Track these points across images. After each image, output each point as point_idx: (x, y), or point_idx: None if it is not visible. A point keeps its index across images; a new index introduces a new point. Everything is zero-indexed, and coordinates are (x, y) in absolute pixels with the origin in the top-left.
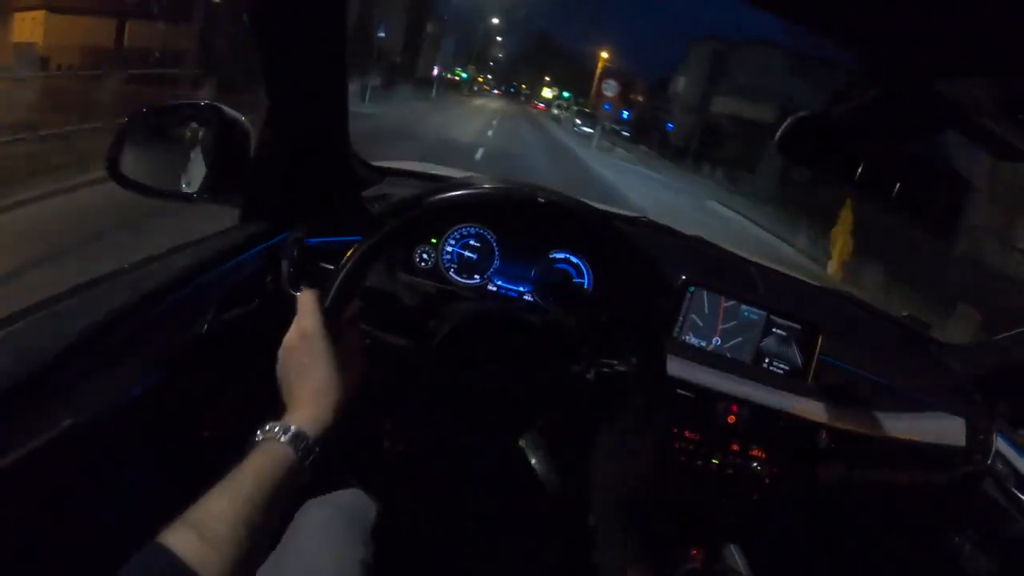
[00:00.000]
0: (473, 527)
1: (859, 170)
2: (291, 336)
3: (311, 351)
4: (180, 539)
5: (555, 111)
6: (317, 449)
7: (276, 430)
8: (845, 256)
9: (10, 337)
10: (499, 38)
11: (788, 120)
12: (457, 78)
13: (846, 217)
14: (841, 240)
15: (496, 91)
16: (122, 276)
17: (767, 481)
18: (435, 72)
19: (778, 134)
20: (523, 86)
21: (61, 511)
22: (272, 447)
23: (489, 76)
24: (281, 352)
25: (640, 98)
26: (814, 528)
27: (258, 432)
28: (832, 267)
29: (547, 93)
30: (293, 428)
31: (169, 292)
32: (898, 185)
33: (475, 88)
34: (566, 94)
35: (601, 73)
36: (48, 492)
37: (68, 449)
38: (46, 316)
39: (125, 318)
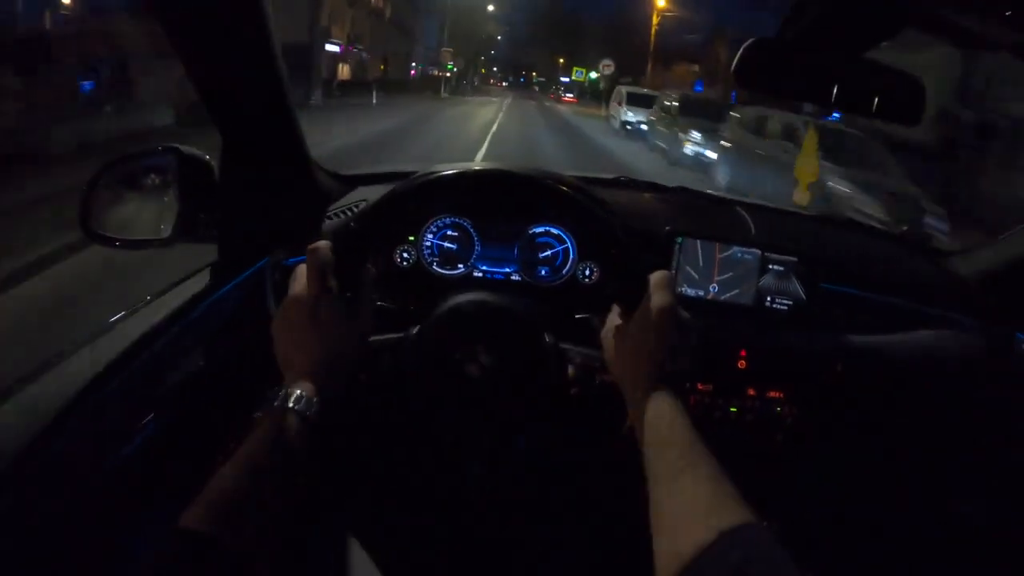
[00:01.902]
0: (472, 523)
1: (820, 86)
2: (291, 300)
3: (313, 317)
4: (202, 519)
5: (627, 115)
6: (325, 410)
7: (282, 398)
8: (811, 178)
9: (14, 397)
10: (490, 7)
11: (742, 48)
12: (446, 74)
13: (810, 142)
14: (806, 164)
15: (502, 83)
16: (110, 328)
17: (789, 421)
18: (413, 72)
19: (733, 64)
20: (534, 74)
21: (74, 568)
22: (280, 416)
23: (495, 69)
24: (279, 319)
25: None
26: (844, 462)
27: (264, 401)
28: (798, 194)
29: (573, 77)
30: (300, 395)
31: (160, 336)
32: (874, 96)
33: (475, 82)
34: (593, 75)
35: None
36: (59, 549)
37: (78, 506)
38: (43, 377)
39: (119, 370)
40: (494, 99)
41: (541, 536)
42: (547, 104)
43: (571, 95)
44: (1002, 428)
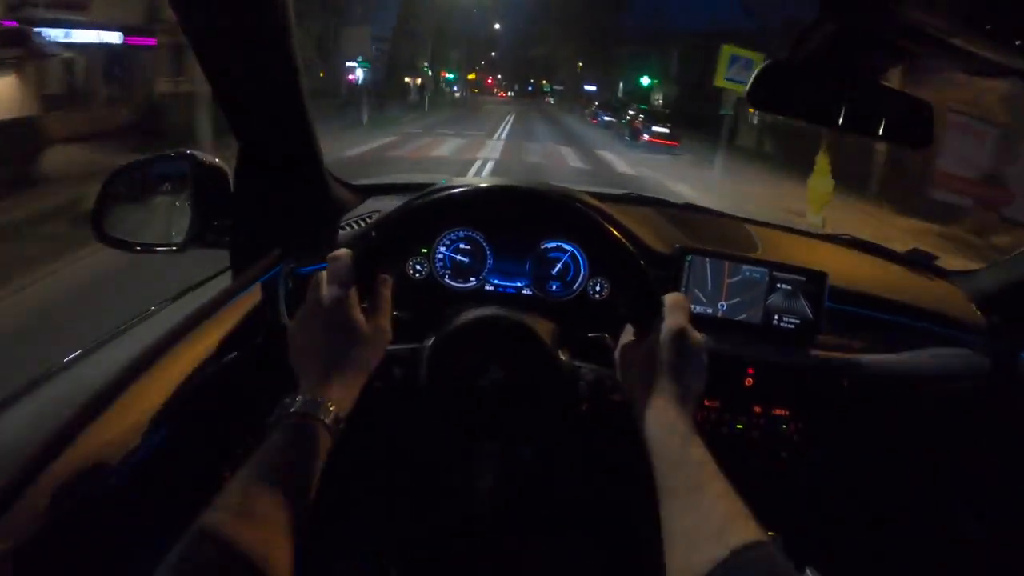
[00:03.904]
0: (482, 532)
1: (831, 108)
2: (309, 307)
3: (331, 325)
4: (222, 522)
5: None
6: (341, 417)
7: (298, 404)
8: (826, 201)
9: (22, 404)
10: None
11: (756, 71)
12: (413, 81)
13: (822, 163)
14: (819, 185)
15: (507, 93)
16: (124, 333)
17: (795, 439)
18: (353, 77)
19: (747, 88)
20: (544, 81)
21: (89, 570)
22: (297, 421)
23: (500, 77)
24: (297, 326)
25: None
26: (847, 479)
27: (280, 406)
28: (811, 215)
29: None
30: (316, 401)
31: (172, 342)
32: (883, 119)
33: (457, 93)
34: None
35: None
36: (75, 551)
37: (90, 513)
38: (52, 384)
39: (133, 375)
40: (463, 139)
41: (549, 549)
42: (616, 167)
43: (663, 128)
44: (1006, 445)
